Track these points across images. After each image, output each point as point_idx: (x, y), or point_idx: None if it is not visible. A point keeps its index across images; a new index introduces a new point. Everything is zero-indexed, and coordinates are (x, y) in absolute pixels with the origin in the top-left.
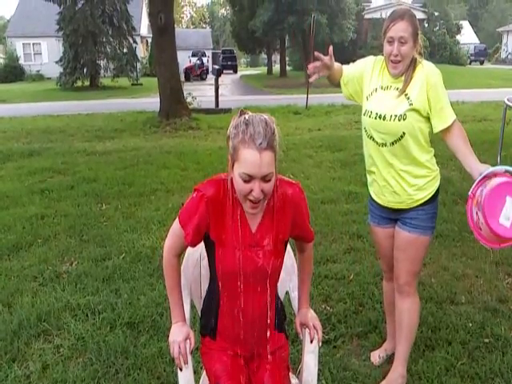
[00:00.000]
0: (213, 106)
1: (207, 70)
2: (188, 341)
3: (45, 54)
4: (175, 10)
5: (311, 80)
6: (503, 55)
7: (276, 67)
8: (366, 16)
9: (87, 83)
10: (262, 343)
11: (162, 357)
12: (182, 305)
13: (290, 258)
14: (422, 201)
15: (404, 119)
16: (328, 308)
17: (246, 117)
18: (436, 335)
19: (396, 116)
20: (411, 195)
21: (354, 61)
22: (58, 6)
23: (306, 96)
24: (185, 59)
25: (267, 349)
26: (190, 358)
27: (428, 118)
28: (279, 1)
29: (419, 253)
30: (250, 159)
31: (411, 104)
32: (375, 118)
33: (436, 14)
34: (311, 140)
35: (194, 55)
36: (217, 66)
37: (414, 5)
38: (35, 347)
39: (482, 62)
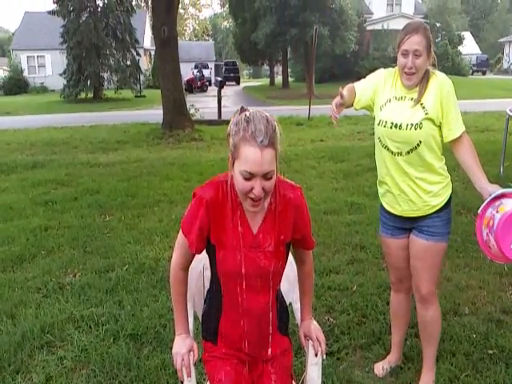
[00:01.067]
0: (215, 117)
1: (209, 81)
2: (191, 353)
3: (49, 67)
4: (178, 23)
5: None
6: (505, 65)
7: (278, 78)
8: (368, 27)
9: (91, 95)
10: (264, 345)
11: (165, 369)
12: (187, 317)
13: (292, 269)
14: (438, 207)
15: (420, 128)
16: (331, 319)
17: (247, 114)
18: (440, 347)
19: (412, 125)
20: (427, 202)
21: (356, 72)
22: (62, 19)
23: (308, 107)
24: (188, 71)
25: (269, 351)
26: (193, 370)
27: (440, 127)
28: (281, 13)
29: (437, 260)
30: (251, 157)
31: (427, 113)
32: (390, 128)
33: (438, 25)
34: (314, 151)
35: (196, 67)
36: (219, 78)
37: (415, 16)
38: (39, 359)
39: (484, 73)
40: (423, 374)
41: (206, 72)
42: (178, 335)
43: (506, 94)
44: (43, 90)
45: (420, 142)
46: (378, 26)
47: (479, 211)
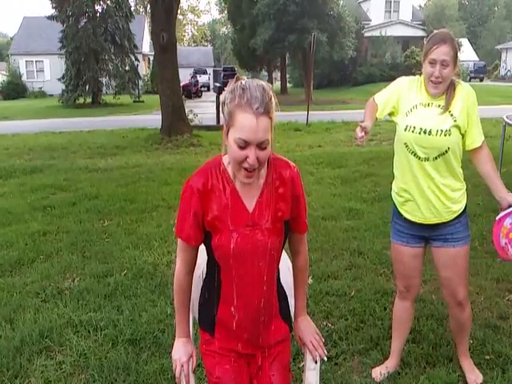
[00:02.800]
0: (214, 122)
1: (208, 87)
2: (191, 359)
3: (47, 71)
4: (177, 29)
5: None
6: (502, 72)
7: (277, 84)
8: (366, 34)
9: (89, 100)
10: (265, 330)
11: (164, 373)
12: (189, 321)
13: (290, 275)
14: (458, 213)
15: (449, 135)
16: (329, 325)
17: (243, 82)
18: (437, 352)
19: (442, 131)
20: (450, 208)
21: (354, 78)
22: (61, 24)
23: (306, 113)
24: (186, 76)
25: (270, 338)
26: (192, 377)
27: (463, 135)
28: (280, 20)
29: (467, 263)
30: (247, 124)
31: (455, 120)
32: (419, 133)
33: (435, 31)
34: (312, 156)
35: (195, 73)
36: (218, 84)
37: (413, 23)
38: (37, 364)
39: (481, 79)
40: (464, 360)
41: (204, 78)
42: (179, 338)
43: (503, 100)
44: (41, 94)
45: (448, 148)
46: (376, 33)
47: (497, 218)
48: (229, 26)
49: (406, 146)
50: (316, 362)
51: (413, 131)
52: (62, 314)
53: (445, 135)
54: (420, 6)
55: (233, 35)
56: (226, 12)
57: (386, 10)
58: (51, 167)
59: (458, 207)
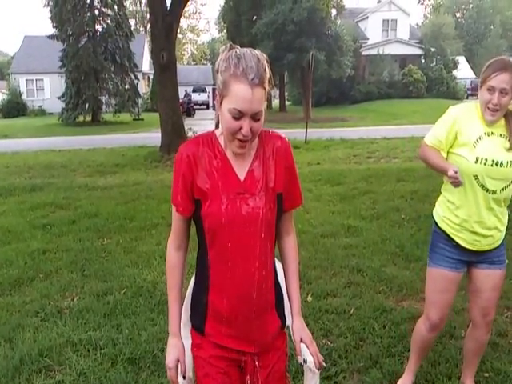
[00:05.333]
0: None
1: (207, 104)
2: (180, 363)
3: (47, 90)
4: (176, 48)
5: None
6: None
7: (275, 102)
8: (364, 52)
9: (89, 118)
10: (258, 321)
11: None
12: (179, 312)
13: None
14: (503, 237)
15: None
16: (329, 343)
17: (237, 51)
18: (436, 370)
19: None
20: (502, 233)
21: (352, 96)
22: (62, 43)
23: (304, 130)
24: (189, 94)
25: (264, 329)
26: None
27: None
28: (278, 39)
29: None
30: (242, 94)
31: None
32: (491, 165)
33: (432, 49)
34: (310, 174)
35: (195, 91)
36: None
37: (410, 41)
38: (37, 383)
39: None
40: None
41: (203, 96)
42: (169, 339)
43: None
44: (41, 112)
45: None
46: (374, 51)
47: None
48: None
49: (476, 179)
50: (318, 369)
51: (485, 163)
52: (62, 332)
53: None
54: (417, 25)
55: None
56: (225, 31)
57: (383, 29)
58: (51, 185)
59: (504, 232)
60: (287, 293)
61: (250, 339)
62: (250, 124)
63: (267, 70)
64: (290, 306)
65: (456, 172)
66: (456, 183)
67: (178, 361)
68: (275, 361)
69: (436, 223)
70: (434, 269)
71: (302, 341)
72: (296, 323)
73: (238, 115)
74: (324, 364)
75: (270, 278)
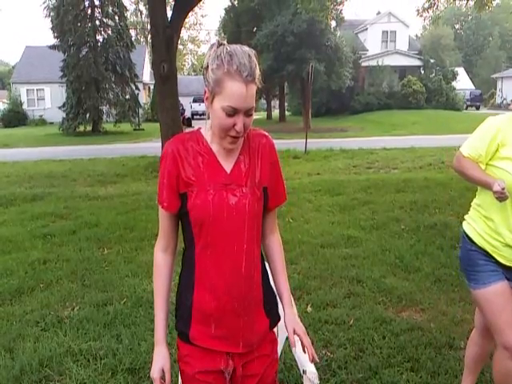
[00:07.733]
0: None
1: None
2: (166, 372)
3: (48, 100)
4: (177, 58)
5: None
6: (498, 100)
7: (275, 112)
8: (363, 64)
9: (89, 128)
10: (245, 317)
11: None
12: (166, 318)
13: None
14: None
15: None
16: (328, 354)
17: (228, 48)
18: (435, 380)
19: None
20: None
21: (351, 106)
22: (63, 54)
23: (304, 140)
24: (186, 105)
25: (252, 329)
26: None
27: None
28: (278, 50)
29: None
30: (237, 92)
31: None
32: None
33: (432, 61)
34: (310, 184)
35: (195, 101)
36: None
37: (409, 52)
38: None
39: (477, 107)
40: None
41: (203, 106)
42: (155, 344)
43: None
44: (42, 122)
45: None
46: (373, 62)
47: None
48: None
49: None
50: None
51: None
52: (62, 342)
53: None
54: (416, 36)
55: None
56: (225, 42)
57: (382, 40)
58: (51, 195)
59: None
60: (276, 287)
61: (237, 338)
62: (243, 120)
63: (257, 65)
64: (280, 298)
65: (503, 188)
66: (502, 198)
67: (163, 371)
68: (265, 368)
69: (472, 240)
70: (484, 289)
71: (295, 332)
72: (288, 315)
73: (233, 112)
74: (317, 358)
75: (257, 271)
